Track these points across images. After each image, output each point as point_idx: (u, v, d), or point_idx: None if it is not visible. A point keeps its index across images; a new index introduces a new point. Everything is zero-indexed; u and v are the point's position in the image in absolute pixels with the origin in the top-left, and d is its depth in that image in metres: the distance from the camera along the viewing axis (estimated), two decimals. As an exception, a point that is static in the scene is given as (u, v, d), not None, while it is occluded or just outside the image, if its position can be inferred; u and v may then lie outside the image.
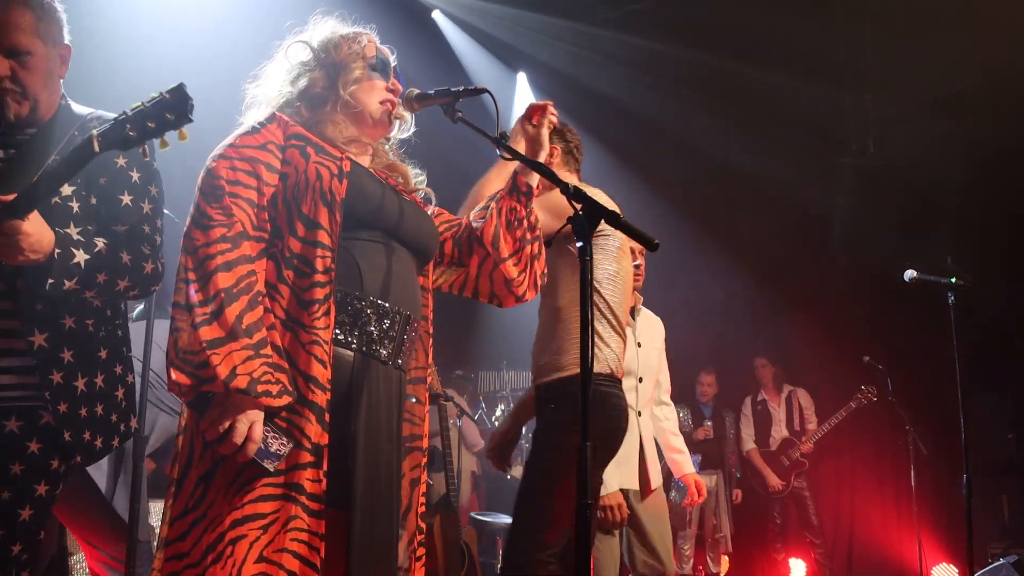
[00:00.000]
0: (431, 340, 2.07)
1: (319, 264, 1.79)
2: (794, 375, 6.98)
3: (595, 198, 1.79)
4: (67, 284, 1.84)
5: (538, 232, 2.18)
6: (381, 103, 2.02)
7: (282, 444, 1.71)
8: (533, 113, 2.18)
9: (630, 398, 3.34)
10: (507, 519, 5.33)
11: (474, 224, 2.15)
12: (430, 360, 2.08)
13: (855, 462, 7.24)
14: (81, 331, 1.96)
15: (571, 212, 1.75)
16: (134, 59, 4.41)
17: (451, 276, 2.23)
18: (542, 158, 2.14)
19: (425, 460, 2.04)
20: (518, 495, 2.63)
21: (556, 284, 2.65)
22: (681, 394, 3.80)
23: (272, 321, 1.76)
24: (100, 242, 1.90)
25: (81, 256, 1.85)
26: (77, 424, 1.94)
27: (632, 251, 3.48)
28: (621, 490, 3.25)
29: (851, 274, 6.82)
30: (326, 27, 2.05)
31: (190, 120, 1.65)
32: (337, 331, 1.82)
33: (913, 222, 6.37)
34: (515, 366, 7.58)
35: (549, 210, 2.44)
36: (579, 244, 1.72)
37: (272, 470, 1.70)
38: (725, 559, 6.41)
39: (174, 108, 1.63)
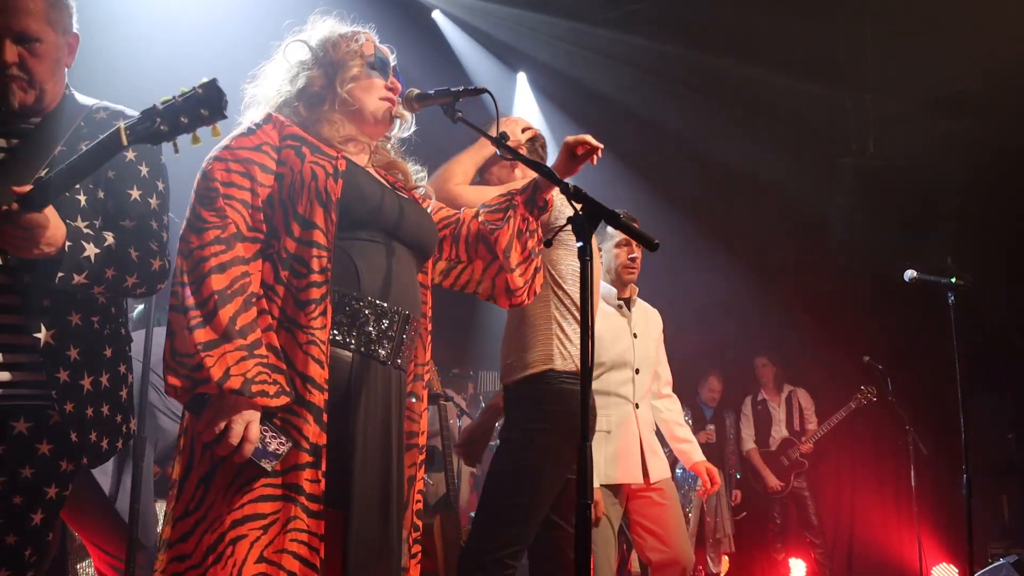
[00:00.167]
0: (430, 337, 2.08)
1: (315, 264, 1.79)
2: (794, 375, 6.98)
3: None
4: (76, 278, 1.79)
5: (542, 245, 2.19)
6: (380, 101, 2.01)
7: (280, 443, 1.71)
8: (585, 143, 2.12)
9: (626, 390, 3.34)
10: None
11: (488, 226, 2.13)
12: (428, 357, 2.08)
13: (855, 462, 7.23)
14: (87, 328, 1.91)
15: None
16: (133, 58, 4.40)
17: (451, 274, 2.23)
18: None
19: (422, 458, 2.04)
20: (482, 493, 2.64)
21: None
22: (681, 395, 3.79)
23: (269, 322, 1.76)
24: (109, 236, 1.86)
25: (91, 250, 1.80)
26: (84, 424, 1.89)
27: (629, 243, 3.49)
28: (621, 484, 3.26)
29: (851, 274, 6.82)
30: (325, 26, 2.05)
31: (224, 116, 1.63)
32: (335, 331, 1.82)
33: (913, 222, 6.36)
34: (515, 366, 7.55)
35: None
36: (579, 244, 1.73)
37: (270, 470, 1.70)
38: (725, 559, 6.41)
39: (208, 103, 1.61)
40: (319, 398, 1.75)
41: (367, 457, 1.81)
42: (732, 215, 7.15)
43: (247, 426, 1.67)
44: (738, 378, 7.04)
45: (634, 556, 4.95)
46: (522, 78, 6.84)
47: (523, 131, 2.80)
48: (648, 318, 3.58)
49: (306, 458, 1.72)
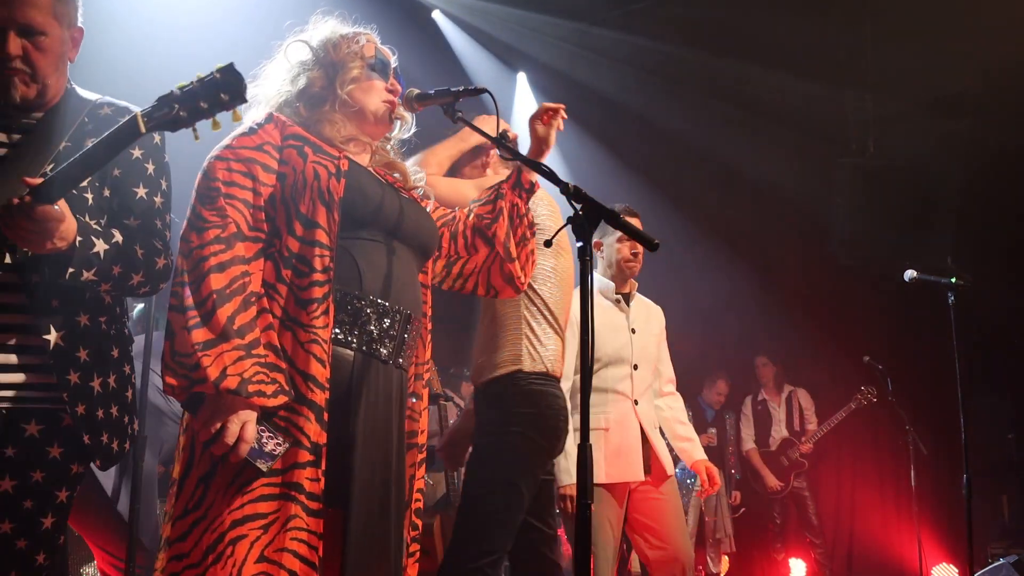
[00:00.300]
0: (429, 336, 2.08)
1: (317, 263, 1.79)
2: (794, 375, 6.98)
3: None
4: (86, 274, 1.75)
5: (535, 228, 2.22)
6: (380, 103, 2.02)
7: (278, 443, 1.71)
8: (544, 113, 2.18)
9: (624, 386, 3.29)
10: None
11: (483, 220, 2.16)
12: (428, 356, 2.08)
13: (855, 462, 7.23)
14: (95, 329, 1.89)
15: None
16: (133, 58, 4.40)
17: (452, 270, 2.22)
18: (545, 158, 2.15)
19: (422, 457, 2.04)
20: (460, 503, 2.62)
21: None
22: (682, 394, 3.77)
23: (270, 321, 1.76)
24: (117, 233, 1.83)
25: (101, 246, 1.77)
26: (95, 426, 1.85)
27: None
28: (621, 484, 3.23)
29: (851, 274, 6.82)
30: (326, 27, 2.05)
31: (245, 100, 1.60)
32: (337, 330, 1.82)
33: (913, 222, 6.36)
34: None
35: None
36: (579, 244, 1.73)
37: (266, 470, 1.69)
38: (725, 559, 6.41)
39: (228, 88, 1.58)
40: (320, 397, 1.75)
41: (367, 456, 1.81)
42: (732, 215, 7.15)
43: (243, 426, 1.67)
44: (739, 378, 7.04)
45: (634, 556, 4.95)
46: (522, 78, 6.83)
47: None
48: (648, 314, 3.53)
49: (306, 456, 1.72)
